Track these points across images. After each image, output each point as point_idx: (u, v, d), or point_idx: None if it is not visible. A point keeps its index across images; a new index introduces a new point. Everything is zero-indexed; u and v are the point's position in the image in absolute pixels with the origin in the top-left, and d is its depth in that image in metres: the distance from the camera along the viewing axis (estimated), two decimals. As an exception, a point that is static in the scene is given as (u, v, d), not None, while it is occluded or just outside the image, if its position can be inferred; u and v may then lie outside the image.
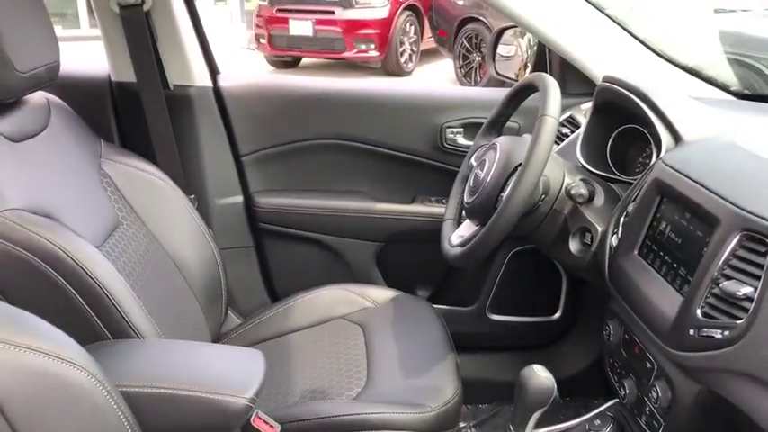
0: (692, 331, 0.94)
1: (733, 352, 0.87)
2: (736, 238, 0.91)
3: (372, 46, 8.01)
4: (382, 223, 1.85)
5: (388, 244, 1.88)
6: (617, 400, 1.26)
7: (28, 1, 1.24)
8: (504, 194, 1.31)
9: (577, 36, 1.59)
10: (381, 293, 1.67)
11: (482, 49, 7.20)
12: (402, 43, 8.34)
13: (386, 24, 8.02)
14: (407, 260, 1.91)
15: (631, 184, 1.39)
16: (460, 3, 7.57)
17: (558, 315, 1.92)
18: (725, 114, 1.33)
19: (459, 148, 1.80)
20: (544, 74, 1.37)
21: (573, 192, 1.30)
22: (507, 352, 1.92)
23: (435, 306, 1.72)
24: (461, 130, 1.80)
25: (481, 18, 7.14)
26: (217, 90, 1.77)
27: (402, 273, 1.90)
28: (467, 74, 7.47)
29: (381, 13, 7.94)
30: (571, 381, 1.85)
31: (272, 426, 1.19)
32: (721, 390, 0.89)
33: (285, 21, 7.95)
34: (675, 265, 1.04)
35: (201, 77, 1.74)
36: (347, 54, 7.93)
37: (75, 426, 0.74)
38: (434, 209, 1.84)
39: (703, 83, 1.62)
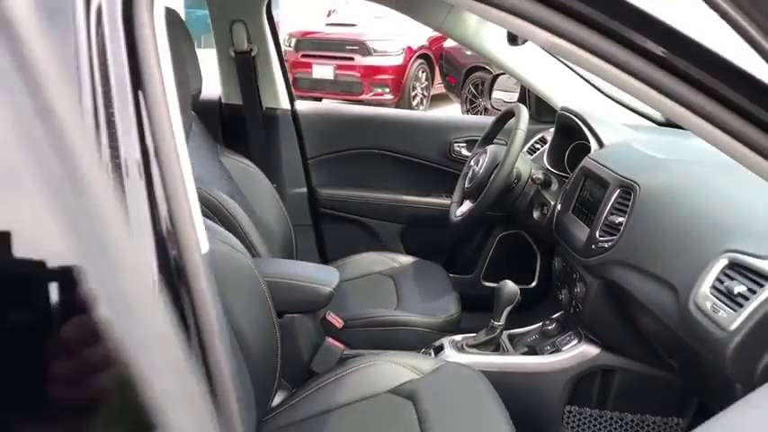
0: (593, 246, 1.64)
1: (614, 252, 1.57)
2: (617, 191, 1.63)
3: (387, 90, 8.73)
4: (405, 210, 2.56)
5: (409, 226, 2.59)
6: (562, 311, 1.95)
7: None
8: (491, 179, 2.03)
9: (545, 78, 2.33)
10: (406, 259, 2.37)
11: (486, 104, 7.92)
12: (414, 88, 9.05)
13: (400, 71, 8.72)
14: (423, 239, 2.61)
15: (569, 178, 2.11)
16: (468, 53, 8.33)
17: (534, 284, 2.60)
18: (632, 131, 2.05)
19: (462, 158, 2.53)
20: (519, 104, 2.10)
21: (534, 177, 2.02)
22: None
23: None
24: (465, 144, 2.53)
25: (486, 67, 7.87)
26: (293, 112, 2.51)
27: (418, 246, 2.60)
28: (473, 117, 8.21)
29: (396, 60, 8.63)
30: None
31: (339, 321, 1.89)
32: (610, 275, 1.59)
33: (309, 65, 8.70)
34: (587, 213, 1.76)
35: (284, 102, 2.49)
36: (364, 96, 8.64)
37: (244, 287, 1.40)
38: (443, 201, 2.55)
39: (632, 113, 2.35)
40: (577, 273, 1.77)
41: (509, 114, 2.19)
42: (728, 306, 1.14)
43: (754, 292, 1.12)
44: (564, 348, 1.82)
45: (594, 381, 1.80)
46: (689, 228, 1.36)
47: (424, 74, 9.18)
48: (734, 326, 1.11)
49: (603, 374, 1.79)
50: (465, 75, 8.22)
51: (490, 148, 2.13)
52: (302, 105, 2.56)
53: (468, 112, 8.17)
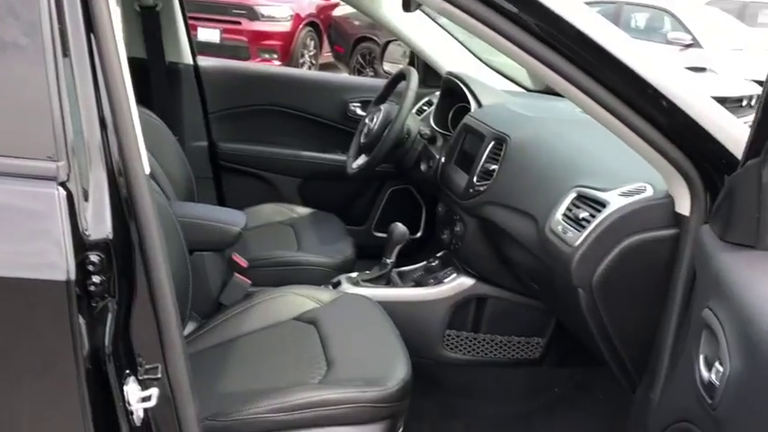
0: (471, 190, 1.91)
1: (487, 194, 1.85)
2: (492, 143, 1.90)
3: (275, 56, 8.68)
4: (304, 165, 2.75)
5: (307, 180, 2.77)
6: (444, 251, 2.23)
7: None
8: (384, 134, 2.25)
9: (433, 45, 2.57)
10: (304, 210, 2.56)
11: (374, 66, 8.14)
12: (302, 55, 9.05)
13: (288, 37, 8.67)
14: (320, 192, 2.81)
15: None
16: (356, 23, 8.47)
17: (419, 234, 2.87)
18: (508, 95, 2.34)
19: (358, 117, 2.73)
20: (410, 67, 2.34)
21: (422, 133, 2.27)
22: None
23: None
24: (360, 104, 2.74)
25: (374, 38, 8.03)
26: (196, 67, 2.62)
27: (315, 199, 2.79)
28: (361, 87, 8.37)
29: (284, 26, 8.53)
30: None
31: (244, 261, 2.06)
32: (485, 214, 1.87)
33: (194, 28, 8.45)
34: (467, 163, 2.03)
35: (187, 57, 2.59)
36: (251, 62, 8.60)
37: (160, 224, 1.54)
38: (339, 157, 2.75)
39: (508, 81, 2.65)
40: (457, 214, 2.04)
41: (401, 77, 2.41)
42: (575, 228, 1.43)
43: (594, 217, 1.41)
44: (445, 281, 2.09)
45: (470, 308, 2.08)
46: (548, 170, 1.65)
47: (313, 42, 9.21)
48: (577, 242, 1.40)
49: (478, 302, 2.08)
50: (353, 44, 8.36)
51: (384, 106, 2.35)
52: (205, 61, 2.66)
53: (355, 82, 8.35)
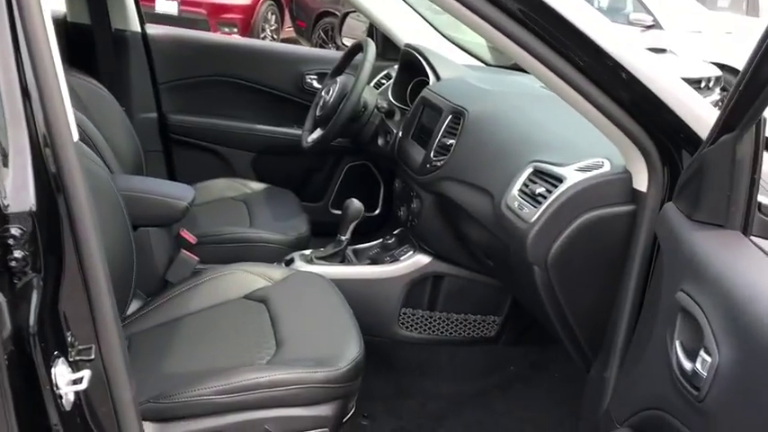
0: (428, 165, 1.86)
1: (444, 169, 1.80)
2: (449, 117, 1.85)
3: (235, 30, 8.50)
4: (258, 139, 2.66)
5: (261, 154, 2.69)
6: (401, 228, 2.18)
7: None
8: (340, 107, 2.18)
9: (391, 17, 2.50)
10: (257, 185, 2.48)
11: (336, 41, 8.03)
12: (263, 30, 8.90)
13: (249, 11, 8.50)
14: (274, 167, 2.73)
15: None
16: (319, -3, 8.36)
17: (377, 212, 2.82)
18: (467, 69, 2.29)
19: (314, 90, 2.66)
20: (367, 38, 2.26)
21: (379, 106, 2.21)
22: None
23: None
24: (316, 76, 2.66)
25: (337, 12, 7.93)
26: (144, 35, 2.50)
27: (269, 175, 2.71)
28: (323, 63, 8.25)
29: None
30: None
31: (192, 237, 1.98)
32: (441, 190, 1.82)
33: (152, -1, 8.29)
34: (424, 138, 1.97)
35: (134, 24, 2.47)
36: (204, 32, 8.36)
37: (101, 199, 1.44)
38: (295, 131, 2.67)
39: (467, 54, 2.59)
40: (414, 190, 1.99)
41: (358, 48, 2.34)
42: (531, 204, 1.40)
43: (550, 192, 1.37)
44: (401, 258, 2.04)
45: (426, 286, 2.04)
46: (505, 145, 1.61)
47: (274, 16, 9.05)
48: (533, 218, 1.36)
49: (434, 280, 2.04)
50: (315, 19, 8.23)
51: (340, 78, 2.28)
52: (154, 29, 2.55)
53: (317, 57, 8.22)
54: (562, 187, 1.35)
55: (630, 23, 8.31)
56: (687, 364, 0.85)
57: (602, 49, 1.16)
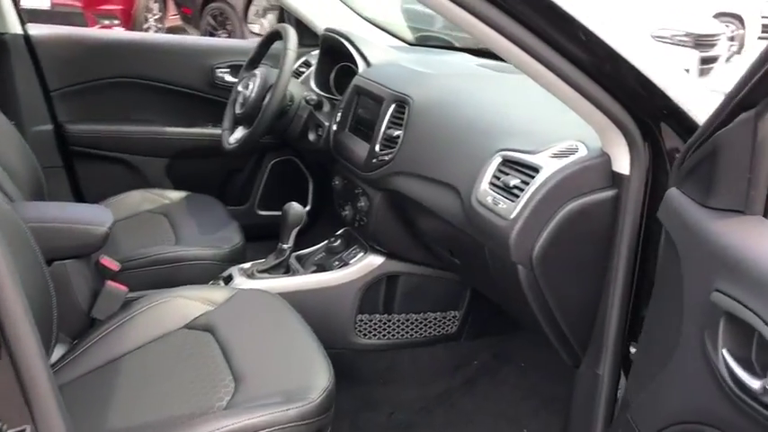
0: (374, 160, 1.71)
1: (394, 164, 1.65)
2: (393, 106, 1.70)
3: (117, 22, 7.98)
4: (170, 143, 2.42)
5: (175, 159, 2.45)
6: (346, 228, 2.03)
7: None
8: (264, 103, 1.99)
9: (306, 1, 2.31)
10: (177, 194, 2.25)
11: (227, 27, 7.71)
12: (146, 20, 8.43)
13: (129, 0, 8.09)
14: (192, 171, 2.50)
15: (340, 99, 2.16)
16: (203, -19, 7.96)
17: (308, 208, 2.65)
18: (396, 51, 2.14)
19: (227, 84, 2.43)
20: (285, 24, 2.07)
21: (308, 98, 2.03)
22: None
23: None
24: (228, 69, 2.44)
25: (223, -3, 7.62)
26: (27, 36, 2.19)
27: (187, 181, 2.48)
28: (215, 49, 7.90)
29: None
30: None
31: (115, 264, 1.74)
32: (393, 186, 1.68)
33: (19, -8, 7.65)
34: (366, 130, 1.82)
35: (14, 26, 2.16)
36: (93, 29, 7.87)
37: (5, 235, 1.20)
38: (211, 130, 2.45)
39: (387, 34, 2.45)
40: (360, 188, 1.84)
41: (275, 36, 2.15)
42: (507, 198, 1.28)
43: (527, 184, 1.26)
44: (351, 262, 1.89)
45: (380, 288, 1.91)
46: (463, 134, 1.48)
47: (157, 4, 8.58)
48: (513, 214, 1.24)
49: (388, 281, 1.90)
50: (202, 5, 7.82)
51: (259, 71, 2.08)
52: (38, 30, 2.24)
53: (208, 44, 7.86)
54: (540, 178, 1.24)
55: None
56: (751, 381, 0.75)
57: (572, 17, 1.05)
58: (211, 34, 7.84)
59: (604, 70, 1.11)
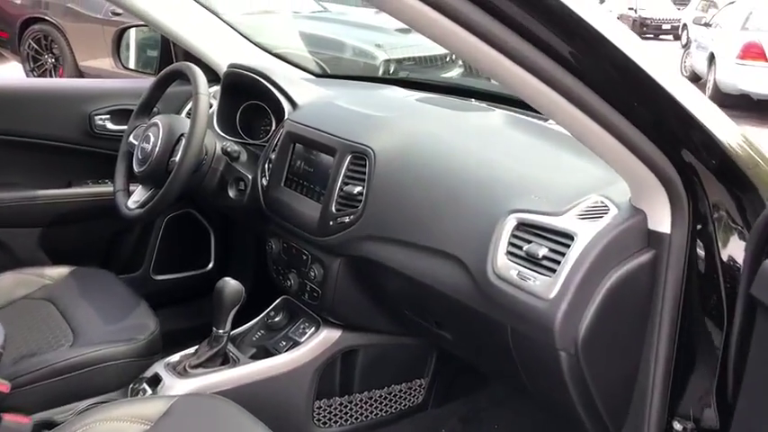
0: (331, 222, 1.45)
1: (358, 226, 1.40)
2: (348, 158, 1.45)
3: None
4: (42, 209, 1.98)
5: (50, 227, 2.01)
6: (283, 296, 1.73)
7: None
8: (175, 159, 1.65)
9: (201, 34, 1.99)
10: (57, 271, 1.83)
11: (54, 51, 6.97)
12: (-45, 49, 7.43)
13: None
14: (70, 240, 2.07)
15: (258, 145, 1.88)
16: (19, 2, 7.14)
17: (211, 266, 2.30)
18: (317, 87, 1.88)
19: (109, 133, 2.04)
20: (189, 63, 1.74)
21: (229, 150, 1.72)
22: (180, 305, 2.24)
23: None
24: (108, 116, 2.04)
25: (48, 18, 6.87)
26: None
27: (67, 252, 2.05)
28: (41, 76, 7.13)
29: None
30: None
31: (3, 383, 1.34)
32: (358, 252, 1.42)
33: None
34: (312, 186, 1.55)
35: None
36: None
37: None
38: (91, 189, 2.04)
39: (292, 66, 2.18)
40: (309, 254, 1.56)
41: (172, 76, 1.81)
42: (538, 272, 1.08)
43: (560, 254, 1.07)
44: (302, 340, 1.61)
45: (335, 367, 1.64)
46: (455, 191, 1.27)
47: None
48: (553, 293, 1.05)
49: (344, 358, 1.64)
50: (21, 28, 7.03)
51: (160, 119, 1.73)
52: None
53: (33, 71, 7.05)
54: (578, 246, 1.05)
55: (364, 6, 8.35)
56: None
57: (613, 47, 0.86)
58: (36, 59, 7.05)
59: (641, 107, 0.94)
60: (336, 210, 1.45)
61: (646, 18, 17.67)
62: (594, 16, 0.82)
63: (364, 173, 1.42)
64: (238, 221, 2.07)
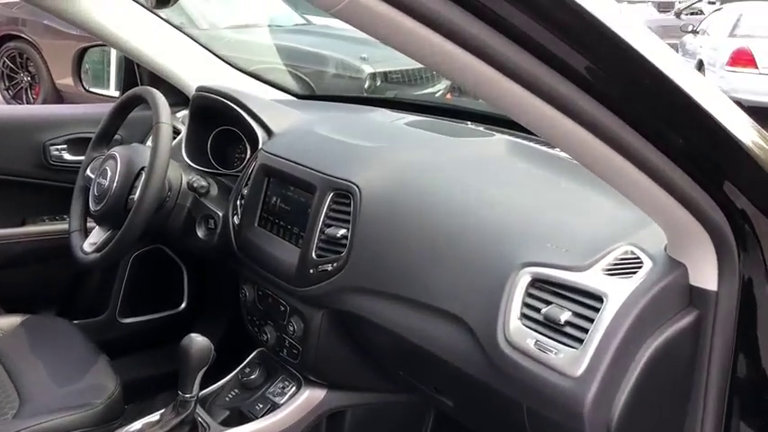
0: (311, 270, 1.25)
1: (343, 276, 1.21)
2: (330, 196, 1.26)
3: None
4: None
5: (2, 270, 1.81)
6: (260, 349, 1.53)
7: None
8: (134, 196, 1.45)
9: (167, 54, 1.79)
10: (6, 321, 1.63)
11: (30, 69, 6.76)
12: None
13: None
14: (25, 282, 1.86)
15: (232, 176, 1.69)
16: (-12, 19, 6.95)
17: (183, 306, 2.10)
18: (296, 111, 1.70)
19: (65, 164, 1.84)
20: (149, 87, 1.55)
21: (195, 185, 1.52)
22: (151, 349, 2.03)
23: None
24: (65, 146, 1.84)
25: (23, 35, 6.67)
26: None
27: (22, 296, 1.85)
28: (16, 95, 6.91)
29: None
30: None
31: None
32: (341, 305, 1.23)
33: None
34: (289, 227, 1.36)
35: None
36: None
37: None
38: (48, 227, 1.84)
39: (269, 87, 1.99)
40: (287, 305, 1.37)
41: (132, 102, 1.62)
42: (561, 342, 0.89)
43: (587, 319, 0.88)
44: (282, 402, 1.41)
45: (321, 431, 1.44)
46: (455, 237, 1.08)
47: None
48: (581, 369, 0.86)
49: (330, 421, 1.44)
50: (-6, 46, 6.82)
51: (118, 150, 1.54)
52: None
53: (8, 90, 6.83)
54: (608, 311, 0.86)
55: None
56: None
57: (651, 66, 0.67)
58: (11, 78, 6.83)
59: (675, 133, 0.75)
60: (317, 255, 1.25)
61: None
62: (612, 18, 0.64)
63: (348, 213, 1.23)
64: (210, 260, 1.87)
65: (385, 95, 5.81)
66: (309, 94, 2.10)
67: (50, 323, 1.66)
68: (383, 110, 1.72)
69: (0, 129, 1.78)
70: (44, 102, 6.62)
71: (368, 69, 5.82)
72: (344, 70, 5.71)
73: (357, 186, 1.22)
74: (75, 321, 1.90)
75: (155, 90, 1.52)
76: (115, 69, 1.99)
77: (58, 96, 6.61)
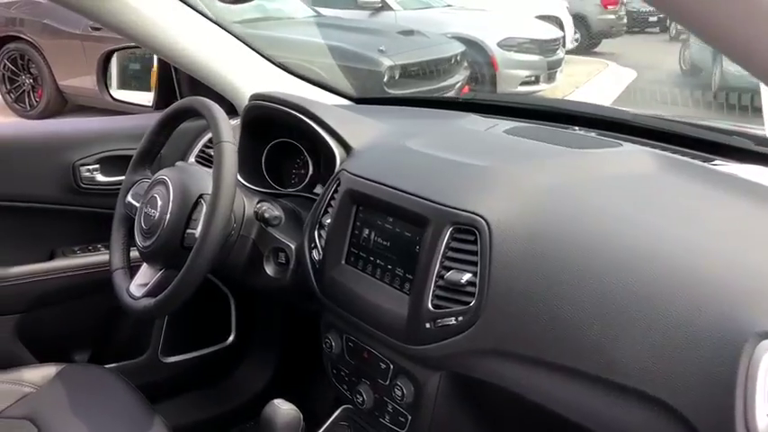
0: (428, 324, 1.01)
1: (472, 333, 0.96)
2: (449, 232, 1.01)
3: None
4: (18, 290, 1.53)
5: (30, 312, 1.57)
6: (345, 406, 1.29)
7: None
8: (192, 230, 1.21)
9: (220, 58, 1.54)
10: (39, 373, 1.39)
11: (31, 70, 6.52)
12: None
13: None
14: (56, 325, 1.62)
15: (294, 195, 1.45)
16: (-9, 19, 6.69)
17: (231, 339, 1.87)
18: (371, 119, 1.45)
19: (98, 187, 1.59)
20: (202, 98, 1.30)
21: (267, 215, 1.27)
22: (197, 389, 1.81)
23: (106, 367, 1.52)
24: (97, 166, 1.59)
25: (24, 36, 6.42)
26: None
27: (55, 341, 1.61)
28: (18, 98, 6.68)
29: None
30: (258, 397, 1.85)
31: None
32: (469, 370, 0.99)
33: None
34: (390, 267, 1.11)
35: None
36: None
37: None
38: (80, 260, 1.60)
39: (329, 93, 1.74)
40: (390, 363, 1.12)
41: (182, 115, 1.36)
42: None
43: None
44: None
45: None
46: (637, 289, 0.83)
47: None
48: None
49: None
50: (-6, 47, 6.57)
51: (168, 175, 1.28)
52: None
53: (9, 93, 6.59)
54: None
55: (360, 7, 7.93)
56: None
57: None
58: (12, 81, 6.59)
59: None
60: (435, 306, 1.01)
61: (632, 11, 17.30)
62: None
63: (474, 253, 0.98)
64: (279, 300, 1.63)
65: (406, 89, 5.57)
66: (366, 96, 1.84)
67: (87, 372, 1.43)
68: (470, 114, 1.46)
69: (23, 148, 1.53)
70: (47, 104, 6.38)
71: (387, 62, 5.57)
72: (363, 63, 5.47)
73: (484, 219, 0.97)
74: (114, 365, 1.67)
75: (210, 102, 1.26)
76: (154, 76, 1.73)
77: (62, 98, 6.38)
